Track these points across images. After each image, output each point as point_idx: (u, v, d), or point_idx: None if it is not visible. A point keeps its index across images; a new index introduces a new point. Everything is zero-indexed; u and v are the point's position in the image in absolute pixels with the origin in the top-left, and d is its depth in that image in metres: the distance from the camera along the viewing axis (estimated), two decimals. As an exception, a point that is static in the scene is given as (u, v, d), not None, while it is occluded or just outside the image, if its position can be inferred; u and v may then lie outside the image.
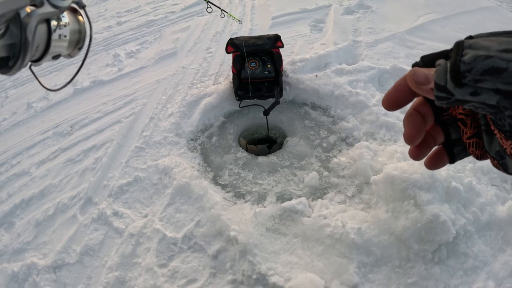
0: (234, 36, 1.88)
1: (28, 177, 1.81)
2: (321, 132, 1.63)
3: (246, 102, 1.81)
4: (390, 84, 1.84)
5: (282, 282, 1.07)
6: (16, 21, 0.30)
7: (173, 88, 2.08)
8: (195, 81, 2.09)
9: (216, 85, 1.99)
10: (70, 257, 1.35)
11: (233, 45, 1.79)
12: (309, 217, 1.25)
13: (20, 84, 2.82)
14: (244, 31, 2.67)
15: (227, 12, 2.17)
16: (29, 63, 0.32)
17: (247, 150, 1.71)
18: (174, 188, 1.42)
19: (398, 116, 1.58)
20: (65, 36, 0.35)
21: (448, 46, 0.30)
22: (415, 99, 0.31)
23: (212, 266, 1.17)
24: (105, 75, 2.49)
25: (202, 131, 1.76)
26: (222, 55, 2.32)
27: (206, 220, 1.28)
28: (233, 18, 2.26)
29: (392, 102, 0.30)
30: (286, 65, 1.97)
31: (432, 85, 0.26)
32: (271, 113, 1.68)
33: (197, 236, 1.26)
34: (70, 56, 0.37)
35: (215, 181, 1.49)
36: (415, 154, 0.32)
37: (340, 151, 1.52)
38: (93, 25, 4.39)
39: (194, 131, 1.76)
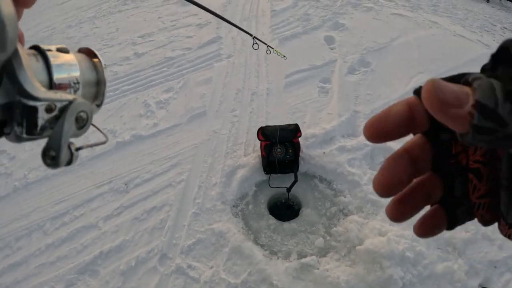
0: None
1: (98, 231, 2.55)
2: (326, 203, 2.71)
3: (273, 178, 2.83)
4: (379, 159, 2.89)
5: (303, 312, 2.18)
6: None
7: (211, 156, 3.07)
8: (228, 150, 3.09)
9: (246, 157, 3.01)
10: (161, 299, 2.23)
11: (264, 135, 2.82)
12: (318, 269, 2.34)
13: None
14: (261, 89, 3.65)
15: (273, 48, 2.81)
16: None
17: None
18: (230, 248, 2.48)
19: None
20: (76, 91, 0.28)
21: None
22: (409, 140, 0.25)
23: (261, 302, 2.28)
24: (143, 129, 3.40)
25: (241, 199, 2.82)
26: (246, 121, 3.33)
27: (255, 271, 2.37)
28: (279, 54, 2.91)
29: (376, 130, 0.23)
30: (300, 139, 3.01)
31: (468, 108, 0.20)
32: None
33: (250, 281, 2.33)
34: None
35: (255, 242, 2.57)
36: (396, 214, 0.25)
37: (338, 220, 2.60)
38: (109, 49, 5.28)
39: (234, 198, 2.81)
